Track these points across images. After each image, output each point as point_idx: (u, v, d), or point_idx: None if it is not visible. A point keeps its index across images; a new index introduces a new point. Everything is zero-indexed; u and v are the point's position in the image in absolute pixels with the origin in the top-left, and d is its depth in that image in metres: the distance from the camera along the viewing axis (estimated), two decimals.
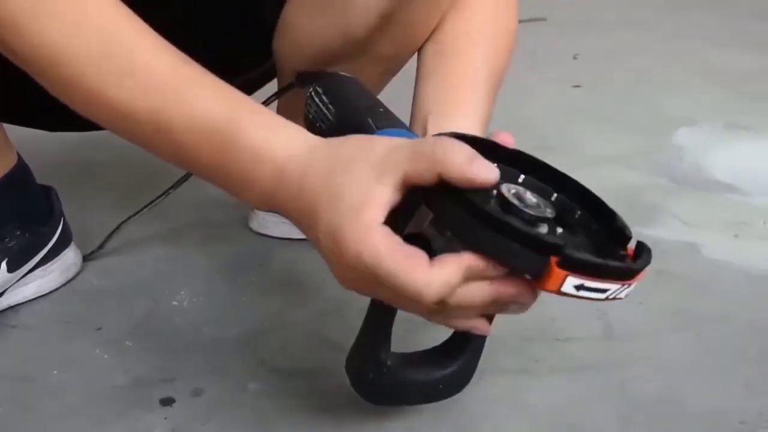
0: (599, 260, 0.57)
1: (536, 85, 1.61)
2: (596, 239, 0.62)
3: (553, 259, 0.55)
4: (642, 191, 1.19)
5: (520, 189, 0.62)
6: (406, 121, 0.80)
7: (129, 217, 1.03)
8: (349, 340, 0.88)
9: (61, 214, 1.01)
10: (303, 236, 1.06)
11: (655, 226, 1.10)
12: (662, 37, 1.91)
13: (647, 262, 0.60)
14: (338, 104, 0.78)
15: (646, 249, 0.61)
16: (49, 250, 0.98)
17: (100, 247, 1.05)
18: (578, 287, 0.57)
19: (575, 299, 0.58)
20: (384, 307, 0.71)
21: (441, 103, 0.79)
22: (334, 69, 0.87)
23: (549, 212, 0.61)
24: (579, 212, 0.63)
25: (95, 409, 0.79)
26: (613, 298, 0.60)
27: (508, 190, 0.61)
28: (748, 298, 0.94)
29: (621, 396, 0.79)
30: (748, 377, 0.81)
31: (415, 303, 0.59)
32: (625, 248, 0.61)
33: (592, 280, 0.57)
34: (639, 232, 1.05)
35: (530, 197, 0.61)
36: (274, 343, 0.88)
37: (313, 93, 0.81)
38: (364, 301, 0.94)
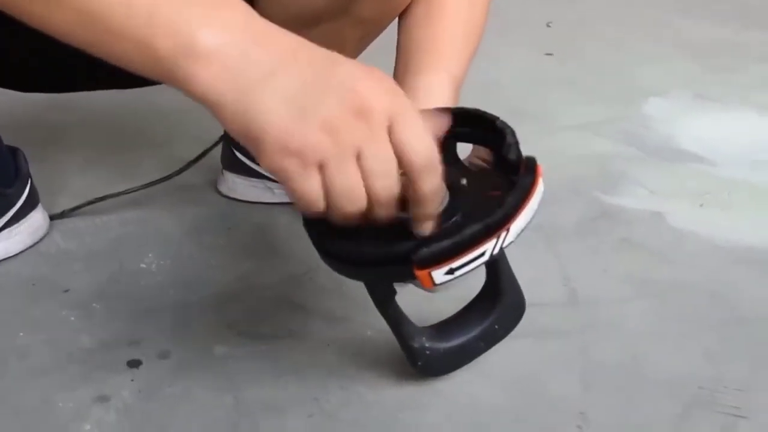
0: (449, 242, 0.60)
1: (509, 52, 1.61)
2: (492, 178, 0.66)
3: (413, 265, 0.60)
4: (610, 159, 1.20)
5: None
6: None
7: (113, 195, 1.03)
8: (316, 304, 0.89)
9: (28, 176, 1.00)
10: (272, 200, 1.08)
11: (621, 194, 1.11)
12: (635, 6, 1.91)
13: (517, 198, 0.62)
14: None
15: (526, 172, 0.64)
16: (15, 213, 0.97)
17: (72, 210, 1.04)
18: (449, 272, 0.61)
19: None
20: (383, 308, 0.73)
21: (416, 61, 0.82)
22: (314, 34, 0.88)
23: None
24: (464, 179, 0.67)
25: (61, 372, 0.79)
26: (501, 249, 0.62)
27: None
28: (711, 267, 0.95)
29: (583, 361, 0.80)
30: (708, 344, 0.82)
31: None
32: (517, 172, 0.64)
33: (455, 259, 0.60)
34: (605, 199, 1.08)
35: None
36: (242, 307, 0.89)
37: None
38: None
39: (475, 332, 0.75)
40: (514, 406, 0.75)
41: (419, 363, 0.74)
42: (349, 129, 0.57)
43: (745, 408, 0.74)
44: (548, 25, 1.82)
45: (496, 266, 0.76)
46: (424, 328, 0.75)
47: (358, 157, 0.58)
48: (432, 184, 0.60)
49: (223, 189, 1.11)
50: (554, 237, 1.00)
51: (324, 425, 0.73)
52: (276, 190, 1.08)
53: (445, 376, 0.78)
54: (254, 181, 1.08)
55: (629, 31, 1.76)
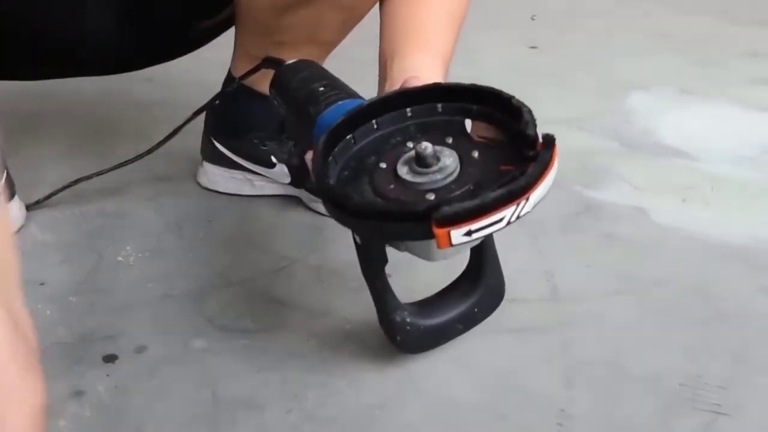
0: (471, 203, 0.60)
1: (493, 44, 1.61)
2: (502, 153, 0.65)
3: (432, 222, 0.59)
4: (593, 154, 1.20)
5: (420, 148, 0.65)
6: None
7: (86, 177, 1.02)
8: (295, 298, 0.88)
9: (4, 167, 0.98)
10: (252, 192, 1.07)
11: (604, 189, 1.10)
12: (620, 0, 1.90)
13: (539, 168, 0.62)
14: (287, 104, 0.81)
15: (546, 146, 0.63)
16: None
17: (47, 198, 1.03)
18: (468, 233, 0.60)
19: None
20: (372, 277, 0.73)
21: (404, 44, 0.81)
22: (295, 17, 0.89)
23: (448, 162, 0.65)
24: (475, 152, 0.67)
25: None
26: (519, 217, 0.62)
27: (403, 158, 0.66)
28: (693, 262, 0.95)
29: (565, 358, 0.80)
30: (689, 341, 0.82)
31: None
32: (534, 148, 0.64)
33: (476, 221, 0.60)
34: (588, 194, 1.08)
35: (429, 152, 0.64)
36: (220, 301, 0.88)
37: (271, 97, 0.84)
38: (312, 259, 0.94)
39: (454, 313, 0.77)
40: (494, 403, 0.75)
41: (398, 338, 0.75)
42: None
43: (726, 405, 0.74)
44: (532, 18, 1.81)
45: (483, 248, 0.77)
46: (406, 304, 0.76)
47: None
48: None
49: (203, 181, 1.09)
50: (537, 232, 0.99)
51: (303, 422, 0.72)
52: (256, 182, 1.06)
53: (425, 372, 0.77)
54: (234, 172, 1.07)
55: (613, 24, 1.75)
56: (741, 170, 1.16)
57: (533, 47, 1.64)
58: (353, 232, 0.71)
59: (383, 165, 0.67)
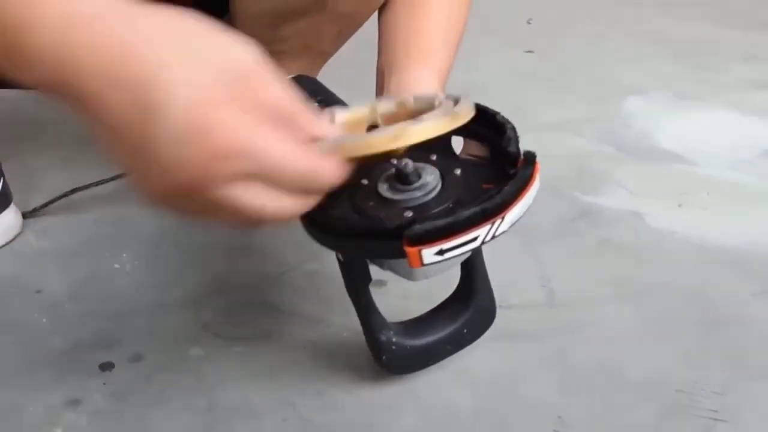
0: (443, 221, 0.60)
1: (489, 49, 1.61)
2: (486, 171, 0.66)
3: (404, 241, 0.59)
4: (589, 159, 1.20)
5: (400, 164, 0.65)
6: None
7: (83, 187, 1.02)
8: (293, 305, 0.88)
9: (1, 174, 0.99)
10: None
11: (600, 194, 1.10)
12: (616, 4, 1.90)
13: (516, 186, 0.62)
14: None
15: (526, 164, 0.64)
16: None
17: (43, 206, 1.03)
18: (440, 252, 0.60)
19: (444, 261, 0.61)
20: (356, 294, 0.73)
21: (402, 57, 0.81)
22: (292, 28, 0.89)
23: (429, 179, 0.65)
24: (457, 170, 0.67)
25: (33, 374, 0.78)
26: (494, 236, 0.62)
27: (384, 175, 0.66)
28: (689, 268, 0.95)
29: (561, 364, 0.80)
30: (686, 346, 0.82)
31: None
32: (515, 165, 0.64)
33: (448, 240, 0.60)
34: (584, 199, 1.08)
35: (409, 169, 0.64)
36: (217, 308, 0.88)
37: None
38: (310, 267, 0.94)
39: (443, 334, 0.76)
40: (491, 410, 0.75)
41: (383, 357, 0.74)
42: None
43: (723, 411, 0.74)
44: (529, 23, 1.81)
45: (472, 268, 0.76)
46: (393, 323, 0.75)
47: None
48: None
49: None
50: (532, 237, 0.99)
51: (299, 430, 0.72)
52: None
53: (422, 380, 0.77)
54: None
55: (610, 29, 1.75)
56: (738, 175, 1.16)
57: (529, 51, 1.64)
58: (327, 248, 0.70)
59: (365, 181, 0.67)
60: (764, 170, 1.17)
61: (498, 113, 0.69)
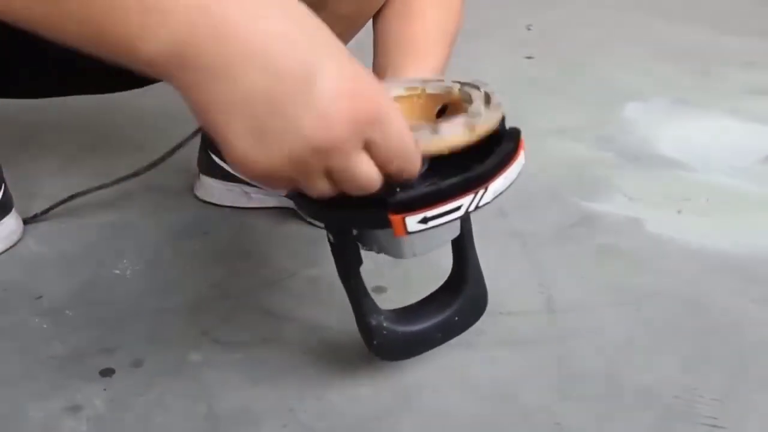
0: (427, 189, 0.61)
1: (489, 54, 1.61)
2: (473, 156, 0.65)
3: (388, 209, 0.61)
4: (589, 165, 1.20)
5: None
6: None
7: (83, 192, 1.02)
8: (291, 311, 0.88)
9: (2, 180, 0.99)
10: (249, 205, 1.07)
11: (600, 200, 1.11)
12: (616, 10, 1.91)
13: (498, 159, 0.64)
14: None
15: (509, 138, 0.66)
16: None
17: (44, 212, 1.03)
18: (423, 220, 0.61)
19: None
20: (347, 277, 0.73)
21: (397, 59, 0.82)
22: None
23: None
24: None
25: (33, 380, 0.78)
26: (477, 207, 0.63)
27: None
28: (688, 274, 0.95)
29: (560, 370, 0.80)
30: (685, 353, 0.82)
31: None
32: (500, 143, 0.65)
33: (431, 208, 0.61)
34: (583, 205, 1.08)
35: None
36: (217, 314, 0.88)
37: None
38: (309, 272, 0.94)
39: (434, 321, 0.76)
40: (489, 417, 0.75)
41: (375, 342, 0.74)
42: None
43: (722, 418, 0.74)
44: (528, 28, 1.81)
45: (464, 256, 0.77)
46: (385, 310, 0.75)
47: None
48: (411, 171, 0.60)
49: (200, 193, 1.10)
50: (532, 243, 1.00)
51: None
52: (253, 195, 1.07)
53: (421, 386, 0.77)
54: (231, 185, 1.07)
55: (609, 34, 1.76)
56: (736, 181, 1.16)
57: (529, 57, 1.64)
58: (315, 221, 0.71)
59: None
60: (764, 177, 1.17)
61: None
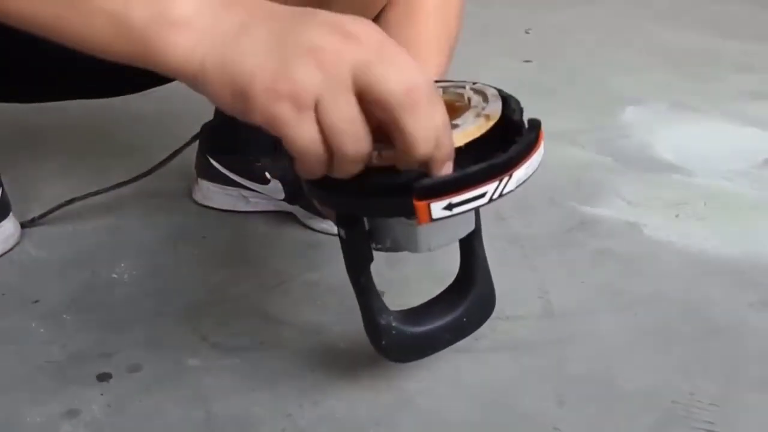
0: (452, 175, 0.60)
1: (488, 58, 1.61)
2: (491, 146, 0.65)
3: (413, 195, 0.60)
4: (587, 169, 1.20)
5: None
6: None
7: (81, 197, 1.02)
8: (289, 315, 0.88)
9: (0, 184, 0.99)
10: (247, 209, 1.07)
11: (598, 204, 1.11)
12: (614, 14, 1.91)
13: (521, 147, 0.63)
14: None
15: (530, 128, 0.65)
16: None
17: (41, 216, 1.03)
18: (448, 207, 0.61)
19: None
20: (357, 274, 0.72)
21: None
22: None
23: None
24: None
25: (30, 385, 0.78)
26: (501, 195, 0.63)
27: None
28: (686, 278, 0.95)
29: (558, 375, 0.80)
30: (682, 358, 0.82)
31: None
32: (520, 134, 0.65)
33: (456, 194, 0.60)
34: (582, 210, 1.08)
35: None
36: (215, 318, 0.88)
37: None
38: (307, 277, 0.94)
39: (443, 322, 0.75)
40: (488, 421, 0.75)
41: (383, 342, 0.73)
42: (337, 56, 0.54)
43: (719, 423, 0.74)
44: (527, 33, 1.82)
45: (472, 256, 0.76)
46: (393, 310, 0.74)
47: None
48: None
49: (198, 197, 1.10)
50: (530, 248, 1.00)
51: None
52: (251, 199, 1.07)
53: (420, 391, 0.77)
54: (229, 189, 1.07)
55: (608, 39, 1.76)
56: (734, 185, 1.16)
57: (527, 61, 1.65)
58: (336, 211, 0.70)
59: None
60: (762, 180, 1.17)
61: (501, 89, 0.70)
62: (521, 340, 0.85)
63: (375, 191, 0.62)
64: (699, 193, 1.14)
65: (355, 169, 0.59)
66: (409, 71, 0.56)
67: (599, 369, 0.81)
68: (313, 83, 0.54)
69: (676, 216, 1.08)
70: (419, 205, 0.60)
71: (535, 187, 1.09)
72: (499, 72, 1.57)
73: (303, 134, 0.55)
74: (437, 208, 0.60)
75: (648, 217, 1.07)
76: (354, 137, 0.56)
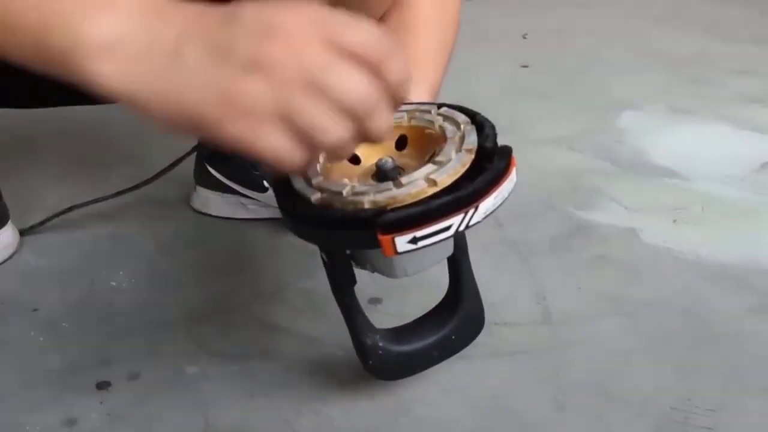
0: (416, 209, 0.60)
1: (484, 63, 1.61)
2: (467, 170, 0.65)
3: (377, 229, 0.60)
4: (584, 174, 1.20)
5: (380, 162, 0.66)
6: None
7: (80, 205, 1.02)
8: (289, 323, 0.88)
9: None
10: (246, 216, 1.07)
11: (595, 210, 1.11)
12: (611, 19, 1.91)
13: (489, 177, 0.63)
14: None
15: (501, 156, 0.64)
16: None
17: (40, 224, 1.03)
18: (413, 240, 0.61)
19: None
20: (341, 296, 0.73)
21: None
22: None
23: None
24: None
25: (29, 393, 0.78)
26: (468, 226, 0.62)
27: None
28: (684, 284, 0.95)
29: (556, 380, 0.80)
30: (680, 363, 0.82)
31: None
32: (491, 161, 0.64)
33: (421, 228, 0.60)
34: (579, 215, 1.08)
35: (389, 166, 0.65)
36: (214, 326, 0.88)
37: None
38: (306, 284, 0.94)
39: (430, 340, 0.75)
40: (486, 428, 0.75)
41: (370, 362, 0.74)
42: (278, 61, 0.51)
43: (717, 428, 0.74)
44: (524, 37, 1.82)
45: (460, 275, 0.77)
46: (380, 329, 0.74)
47: (310, 82, 0.52)
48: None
49: (196, 204, 1.10)
50: (528, 253, 1.00)
51: None
52: (249, 206, 1.07)
53: (417, 397, 0.77)
54: (227, 196, 1.07)
55: (605, 43, 1.76)
56: (732, 190, 1.16)
57: (525, 66, 1.65)
58: (306, 240, 0.69)
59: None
60: (758, 185, 1.17)
61: (478, 113, 0.69)
62: (519, 345, 0.85)
63: (342, 225, 0.63)
64: (696, 198, 1.14)
65: (348, 152, 0.57)
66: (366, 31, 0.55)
67: (598, 374, 0.81)
68: (264, 96, 0.51)
69: (674, 221, 1.08)
70: (383, 239, 0.60)
71: (533, 193, 1.11)
72: (496, 77, 1.58)
73: (272, 144, 0.53)
74: (402, 241, 0.61)
75: (645, 222, 1.07)
76: (329, 129, 0.53)
